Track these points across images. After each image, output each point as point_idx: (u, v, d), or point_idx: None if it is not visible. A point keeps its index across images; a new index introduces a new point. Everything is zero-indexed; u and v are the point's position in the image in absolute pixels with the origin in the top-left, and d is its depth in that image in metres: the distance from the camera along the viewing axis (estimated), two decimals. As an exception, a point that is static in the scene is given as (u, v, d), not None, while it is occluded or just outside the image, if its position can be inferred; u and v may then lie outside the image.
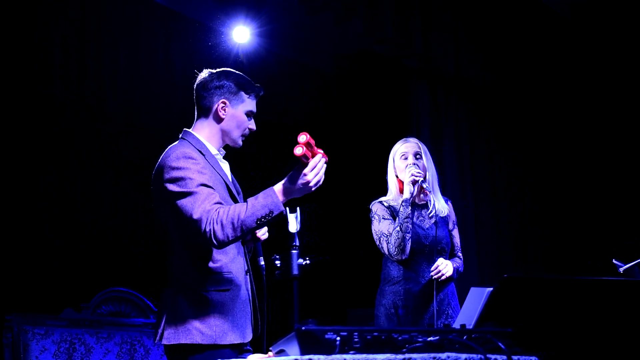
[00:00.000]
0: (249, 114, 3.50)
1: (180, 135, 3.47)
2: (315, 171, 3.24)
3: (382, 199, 4.67)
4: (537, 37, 6.54)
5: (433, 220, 4.56)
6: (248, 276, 3.45)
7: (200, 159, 3.33)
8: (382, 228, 4.53)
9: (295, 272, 2.97)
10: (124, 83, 5.70)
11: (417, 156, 4.59)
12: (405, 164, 4.56)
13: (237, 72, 3.53)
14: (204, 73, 3.51)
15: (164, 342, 3.22)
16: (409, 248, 4.43)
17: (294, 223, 3.00)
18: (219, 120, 3.47)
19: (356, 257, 6.30)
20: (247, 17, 6.05)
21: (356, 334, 2.36)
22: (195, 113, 3.50)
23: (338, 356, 2.20)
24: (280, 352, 2.47)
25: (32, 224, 5.01)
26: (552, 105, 6.67)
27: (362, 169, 6.65)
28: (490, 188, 6.53)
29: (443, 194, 4.80)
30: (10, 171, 4.97)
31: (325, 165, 3.29)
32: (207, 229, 3.11)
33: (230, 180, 3.52)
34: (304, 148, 3.24)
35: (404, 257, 4.43)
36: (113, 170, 5.52)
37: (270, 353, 2.55)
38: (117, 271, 5.29)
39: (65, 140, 5.29)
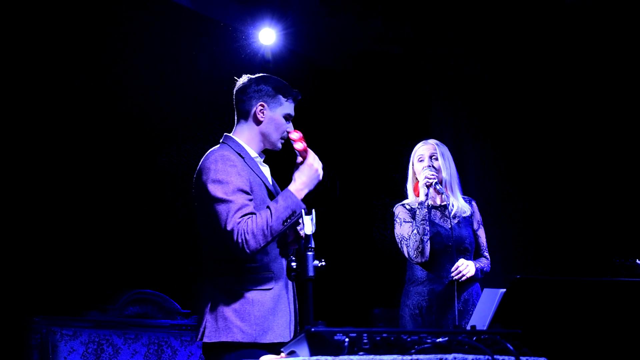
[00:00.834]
0: (287, 117, 3.59)
1: (221, 140, 3.57)
2: (317, 161, 3.44)
3: (405, 201, 4.68)
4: (554, 37, 6.48)
5: (456, 221, 4.55)
6: (290, 279, 3.50)
7: (239, 161, 3.43)
8: (403, 231, 4.53)
9: (311, 273, 2.97)
10: (149, 86, 5.74)
11: (433, 157, 4.60)
12: (422, 166, 4.57)
13: (274, 77, 3.64)
14: (243, 78, 3.63)
15: (205, 340, 3.31)
16: (428, 250, 4.42)
17: (309, 225, 3.01)
18: (257, 123, 3.56)
19: (381, 257, 6.29)
20: (272, 19, 6.08)
21: (365, 335, 2.36)
22: (235, 118, 3.61)
23: (346, 357, 2.21)
24: (291, 354, 2.48)
25: (59, 226, 5.06)
26: (570, 105, 6.60)
27: (381, 168, 6.66)
28: (512, 187, 6.49)
29: (465, 194, 4.79)
30: (39, 175, 5.03)
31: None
32: (239, 240, 3.23)
33: (271, 183, 3.61)
34: (304, 143, 3.45)
35: (423, 260, 4.43)
36: (141, 173, 5.57)
37: (282, 354, 2.57)
38: (143, 273, 5.32)
39: (91, 143, 5.35)
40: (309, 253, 3.01)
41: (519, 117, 6.63)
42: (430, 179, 4.46)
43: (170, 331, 5.09)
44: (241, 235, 3.23)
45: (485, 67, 6.38)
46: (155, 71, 5.78)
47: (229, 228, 3.25)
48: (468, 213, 4.62)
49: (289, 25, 6.10)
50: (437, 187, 4.50)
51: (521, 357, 2.38)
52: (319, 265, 3.03)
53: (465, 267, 4.38)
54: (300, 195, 3.38)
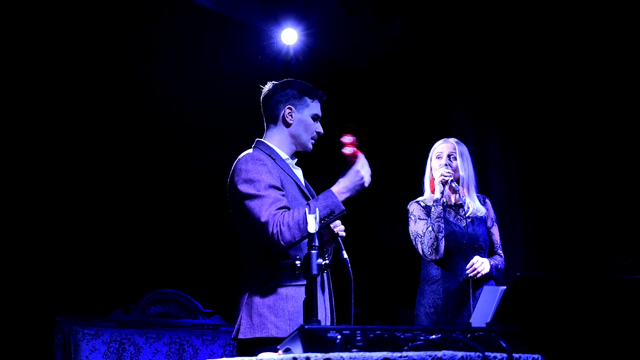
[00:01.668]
0: (314, 118, 3.69)
1: (253, 145, 3.66)
2: (365, 168, 3.47)
3: (420, 198, 4.69)
4: (576, 36, 6.41)
5: (470, 219, 4.54)
6: (325, 273, 3.62)
7: (269, 161, 3.52)
8: (417, 228, 4.54)
9: (315, 271, 2.97)
10: (172, 87, 5.78)
11: (452, 156, 4.60)
12: (439, 163, 4.58)
13: (298, 80, 3.74)
14: (268, 85, 3.73)
15: (240, 336, 3.37)
16: (442, 248, 4.42)
17: (313, 224, 3.01)
18: (287, 125, 3.66)
19: (405, 257, 6.27)
20: (294, 20, 6.09)
21: (359, 332, 2.36)
22: (265, 124, 3.71)
23: (335, 354, 2.20)
24: (287, 351, 2.49)
25: (83, 228, 5.13)
26: (592, 103, 6.51)
27: (405, 168, 6.65)
28: (535, 186, 6.43)
29: (488, 194, 4.78)
30: (67, 177, 5.10)
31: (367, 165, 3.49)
32: (274, 231, 3.30)
33: (304, 184, 3.68)
34: (354, 148, 3.47)
35: (438, 257, 4.43)
36: (165, 174, 5.62)
37: (280, 351, 2.57)
38: (165, 273, 5.36)
39: (116, 143, 5.40)
40: (313, 251, 3.01)
41: (541, 115, 6.56)
42: (446, 176, 4.47)
43: (192, 330, 5.12)
44: (276, 226, 3.30)
45: (507, 65, 6.33)
46: (178, 72, 5.83)
47: (263, 220, 3.32)
48: (483, 214, 4.61)
49: (310, 25, 6.11)
50: (453, 184, 4.49)
51: (514, 355, 2.36)
52: (323, 263, 3.04)
53: (480, 265, 4.35)
54: (341, 197, 3.43)
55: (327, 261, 3.07)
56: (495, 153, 6.32)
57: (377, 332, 2.37)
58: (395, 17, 5.49)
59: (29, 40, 4.91)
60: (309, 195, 3.62)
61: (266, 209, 3.35)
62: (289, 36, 6.18)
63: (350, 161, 3.50)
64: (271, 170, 3.46)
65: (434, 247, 4.40)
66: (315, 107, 3.72)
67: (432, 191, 4.58)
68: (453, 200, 4.61)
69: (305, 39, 6.23)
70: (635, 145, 6.41)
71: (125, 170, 5.38)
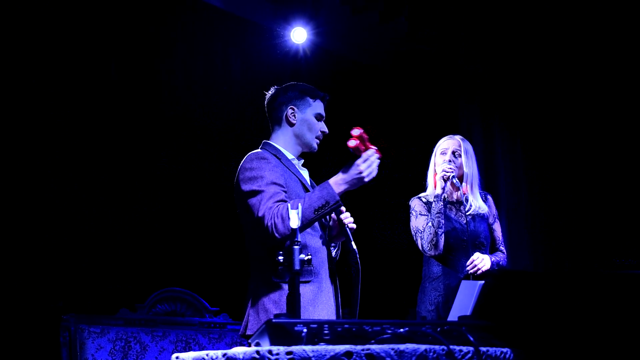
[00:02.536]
0: (318, 117, 3.75)
1: (260, 147, 3.73)
2: (367, 164, 3.46)
3: (422, 194, 4.67)
4: (584, 33, 6.32)
5: (471, 216, 4.52)
6: (331, 272, 3.64)
7: (274, 160, 3.58)
8: (418, 224, 4.51)
9: (297, 267, 2.96)
10: (180, 86, 5.81)
11: (456, 153, 4.58)
12: (443, 159, 4.56)
13: (301, 83, 3.81)
14: (271, 90, 3.82)
15: (248, 332, 3.43)
16: (442, 244, 4.39)
17: (295, 219, 3.00)
18: (291, 125, 3.73)
19: (406, 257, 6.23)
20: (303, 18, 6.08)
21: (326, 326, 2.34)
22: (270, 128, 3.78)
23: (298, 347, 2.18)
24: (257, 345, 2.48)
25: (88, 226, 5.16)
26: (601, 100, 6.42)
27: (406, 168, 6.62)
28: (543, 183, 6.36)
29: (495, 192, 4.75)
30: (74, 176, 5.14)
31: (378, 161, 3.50)
32: (269, 224, 3.34)
33: (309, 183, 3.73)
34: (357, 141, 3.46)
35: (437, 253, 4.40)
36: (171, 172, 5.63)
37: (252, 346, 2.56)
38: (172, 272, 5.38)
39: (122, 143, 5.43)
40: (295, 247, 3.00)
41: (548, 113, 6.49)
42: (447, 172, 4.45)
43: (199, 329, 5.12)
44: (271, 219, 3.34)
45: (513, 63, 6.27)
46: (187, 71, 5.85)
47: (260, 214, 3.37)
48: (485, 211, 4.58)
49: (320, 24, 6.10)
50: (454, 181, 4.47)
51: (482, 348, 2.32)
52: (305, 259, 3.03)
53: (481, 261, 4.31)
54: (338, 189, 3.44)
55: (309, 256, 3.05)
56: (502, 151, 6.25)
57: (345, 325, 2.34)
58: (399, 17, 5.46)
59: (29, 40, 4.95)
60: None
61: (264, 203, 3.39)
62: (299, 35, 6.17)
63: (356, 155, 3.50)
64: (274, 168, 3.52)
65: (433, 242, 4.37)
66: (318, 107, 3.77)
67: (435, 187, 4.56)
68: (455, 197, 4.59)
69: (315, 38, 6.22)
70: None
71: (132, 169, 5.41)
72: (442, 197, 4.41)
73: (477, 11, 6.04)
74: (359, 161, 3.47)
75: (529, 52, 6.35)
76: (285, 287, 3.45)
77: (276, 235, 3.33)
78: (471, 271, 4.29)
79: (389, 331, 2.34)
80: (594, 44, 6.28)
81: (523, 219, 6.19)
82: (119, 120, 5.41)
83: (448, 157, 4.54)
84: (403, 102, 6.93)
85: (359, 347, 2.17)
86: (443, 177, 4.44)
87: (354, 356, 2.17)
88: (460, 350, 2.27)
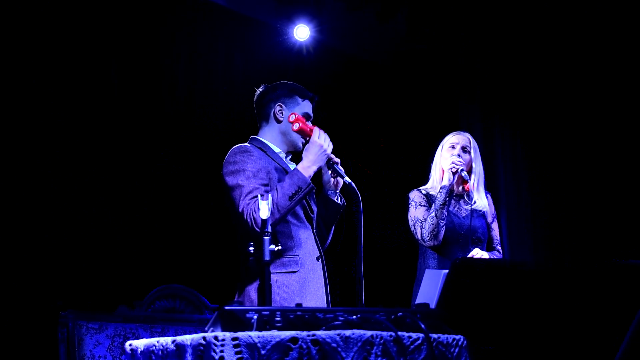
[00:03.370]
0: (305, 117, 3.80)
1: (247, 142, 3.80)
2: (322, 136, 3.61)
3: (421, 187, 4.69)
4: (586, 29, 6.25)
5: (469, 211, 4.53)
6: (320, 262, 3.72)
7: (258, 152, 3.66)
8: (418, 214, 4.53)
9: (267, 258, 2.97)
10: (184, 84, 5.83)
11: (465, 150, 4.61)
12: (451, 153, 4.58)
13: (291, 82, 3.89)
14: (261, 87, 3.90)
15: None
16: (442, 234, 4.41)
17: (265, 210, 3.01)
18: (278, 122, 3.80)
19: (406, 256, 6.20)
20: (306, 15, 6.09)
21: (278, 313, 2.33)
22: (258, 124, 3.87)
23: (244, 333, 2.18)
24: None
25: (86, 224, 5.19)
26: (603, 97, 6.34)
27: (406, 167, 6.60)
28: (543, 181, 6.30)
29: (496, 191, 4.75)
30: (70, 172, 5.17)
31: (326, 134, 3.64)
32: (249, 220, 3.46)
33: None
34: (299, 123, 3.66)
35: (436, 243, 4.42)
36: (172, 169, 5.66)
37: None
38: (171, 268, 5.39)
39: (125, 139, 5.46)
40: (265, 237, 3.02)
41: (549, 112, 6.43)
42: (457, 165, 4.48)
43: (198, 325, 5.11)
44: (250, 214, 3.44)
45: (515, 59, 6.22)
46: (190, 70, 5.87)
47: (240, 210, 3.48)
48: (485, 209, 4.61)
49: (322, 22, 6.10)
50: (463, 174, 4.50)
51: (433, 335, 2.30)
52: (276, 249, 3.03)
53: (479, 257, 4.32)
54: (308, 172, 3.56)
55: (279, 247, 3.06)
56: (502, 149, 6.22)
57: (298, 313, 2.34)
58: (394, 16, 5.45)
59: (28, 40, 4.99)
60: None
61: (242, 199, 3.48)
62: (302, 32, 6.17)
63: (305, 136, 3.66)
64: (257, 160, 3.58)
65: (434, 232, 4.40)
66: (305, 106, 3.83)
67: (441, 180, 4.58)
68: (457, 190, 4.60)
69: (318, 35, 6.22)
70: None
71: (133, 168, 5.43)
72: (449, 189, 4.40)
73: (477, 10, 6.01)
74: (313, 138, 3.60)
75: (529, 50, 6.31)
76: (274, 279, 3.53)
77: (256, 229, 3.41)
78: (470, 266, 4.27)
79: (341, 318, 2.33)
80: (594, 42, 6.24)
81: (524, 218, 6.14)
82: (120, 119, 5.43)
83: (457, 152, 4.57)
84: (404, 101, 6.91)
85: (304, 333, 2.17)
86: (452, 169, 4.48)
87: (300, 342, 2.17)
88: (410, 337, 2.26)
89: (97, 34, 5.33)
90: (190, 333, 5.03)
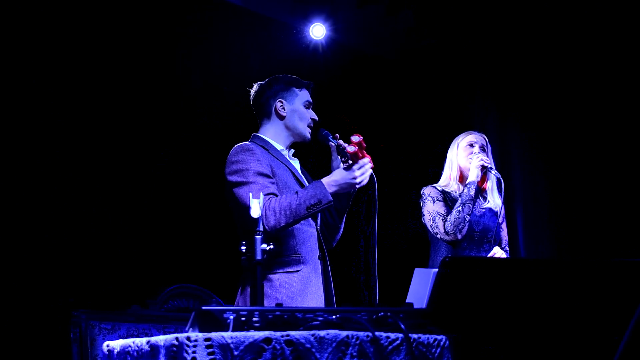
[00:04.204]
0: (307, 105, 3.80)
1: (249, 140, 3.78)
2: (362, 171, 3.52)
3: (435, 184, 4.67)
4: (598, 25, 6.13)
5: (484, 210, 4.54)
6: (321, 262, 3.67)
7: (260, 150, 3.61)
8: (437, 208, 4.50)
9: (259, 257, 2.93)
10: (199, 83, 5.83)
11: (483, 149, 4.59)
12: (470, 151, 4.56)
13: (282, 75, 3.86)
14: (254, 87, 3.88)
15: None
16: (466, 229, 4.38)
17: (256, 209, 2.97)
18: (281, 118, 3.76)
19: (406, 256, 6.14)
20: (321, 14, 6.06)
21: (257, 313, 2.30)
22: (258, 122, 3.84)
23: (217, 334, 2.15)
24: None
25: (100, 223, 5.21)
26: (618, 93, 6.20)
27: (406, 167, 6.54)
28: (559, 178, 6.20)
29: (510, 187, 4.73)
30: (84, 172, 5.20)
31: (371, 170, 3.57)
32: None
33: (300, 173, 3.75)
34: (356, 147, 3.53)
35: (459, 238, 4.39)
36: (186, 168, 5.65)
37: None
38: (185, 268, 5.39)
39: (138, 138, 5.47)
40: (257, 236, 2.98)
41: (566, 103, 6.31)
42: (486, 162, 4.46)
43: (211, 325, 5.11)
44: (262, 210, 3.30)
45: (529, 52, 6.13)
46: (203, 67, 5.87)
47: (263, 212, 3.38)
48: (498, 210, 4.58)
49: (337, 20, 6.07)
50: (493, 171, 4.48)
51: (414, 335, 2.25)
52: (268, 248, 2.99)
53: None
54: (330, 189, 3.47)
55: (271, 246, 3.02)
56: (517, 144, 6.14)
57: (277, 313, 2.30)
58: (405, 9, 5.41)
59: (28, 40, 5.01)
60: (304, 183, 3.67)
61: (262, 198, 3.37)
62: (318, 31, 6.15)
63: (352, 160, 3.54)
64: (260, 159, 3.54)
65: (460, 227, 4.37)
66: (304, 95, 3.79)
67: (460, 180, 4.58)
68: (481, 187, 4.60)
69: (333, 34, 6.19)
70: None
71: (145, 167, 5.44)
72: (476, 185, 4.42)
73: (490, 5, 5.93)
74: (355, 167, 3.50)
75: (544, 44, 6.23)
76: (273, 278, 3.50)
77: (267, 228, 3.36)
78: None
79: (320, 318, 2.29)
80: (611, 33, 6.12)
81: (540, 214, 6.06)
82: (142, 115, 5.45)
83: (477, 150, 4.55)
84: (418, 99, 6.85)
85: (278, 334, 2.13)
86: (482, 165, 4.45)
87: (273, 342, 2.12)
88: (388, 337, 2.20)
89: (108, 34, 5.33)
90: (203, 333, 5.05)
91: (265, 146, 3.71)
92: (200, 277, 5.34)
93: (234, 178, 3.55)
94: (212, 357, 2.10)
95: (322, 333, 2.13)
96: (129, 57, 5.45)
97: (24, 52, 4.97)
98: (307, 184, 3.68)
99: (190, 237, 5.55)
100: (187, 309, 5.19)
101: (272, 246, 3.01)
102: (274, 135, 3.78)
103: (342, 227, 3.99)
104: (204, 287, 5.26)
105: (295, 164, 3.83)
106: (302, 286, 3.56)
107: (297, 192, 3.48)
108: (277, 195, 3.50)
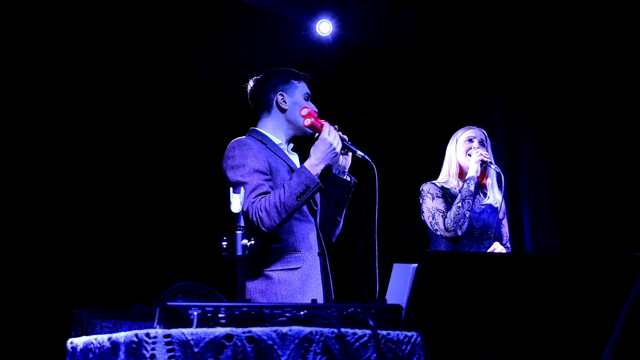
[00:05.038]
0: (306, 97, 3.75)
1: (247, 134, 3.74)
2: (332, 134, 3.50)
3: (434, 181, 4.60)
4: (606, 24, 6.00)
5: (484, 206, 4.48)
6: (321, 258, 3.64)
7: (256, 145, 3.58)
8: (437, 205, 4.43)
9: (239, 253, 2.89)
10: (207, 80, 5.80)
11: (482, 144, 4.53)
12: (470, 146, 4.49)
13: (278, 68, 3.80)
14: (251, 82, 3.83)
15: None
16: (466, 225, 4.31)
17: (237, 203, 2.92)
18: (282, 111, 3.71)
19: (406, 256, 6.06)
20: (328, 11, 6.01)
21: (223, 309, 2.24)
22: (256, 117, 3.78)
23: (177, 330, 2.09)
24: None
25: (102, 223, 5.19)
26: (627, 91, 6.07)
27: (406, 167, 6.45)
28: (566, 176, 6.09)
29: (517, 183, 4.65)
30: (87, 171, 5.18)
31: (335, 130, 3.53)
32: (254, 219, 3.38)
33: (299, 167, 3.64)
34: (311, 118, 3.55)
35: (459, 234, 4.32)
36: (189, 167, 5.63)
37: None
38: (188, 266, 5.37)
39: (139, 138, 5.45)
40: (238, 232, 2.94)
41: (573, 100, 6.21)
42: (486, 157, 4.40)
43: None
44: (255, 213, 3.36)
45: (535, 49, 6.04)
46: (212, 65, 5.84)
47: (244, 209, 3.36)
48: (498, 205, 4.51)
49: (344, 17, 6.02)
50: (493, 166, 4.42)
51: (382, 332, 2.17)
52: (249, 244, 2.95)
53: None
54: (315, 170, 3.44)
55: (252, 242, 2.97)
56: (524, 141, 6.05)
57: (244, 309, 2.23)
58: (409, 6, 5.34)
59: (28, 40, 5.00)
60: None
61: (247, 197, 3.39)
62: (324, 27, 6.10)
63: (316, 132, 3.55)
64: (257, 154, 3.51)
65: (460, 223, 4.30)
66: (303, 87, 3.75)
67: (459, 175, 4.51)
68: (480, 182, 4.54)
69: (339, 31, 6.13)
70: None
71: (149, 166, 5.41)
72: (476, 180, 4.35)
73: (495, 1, 5.85)
74: (324, 135, 3.47)
75: (550, 41, 6.14)
76: (273, 275, 3.47)
77: (263, 229, 3.35)
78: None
79: (288, 314, 2.22)
80: (618, 30, 6.03)
81: (547, 209, 5.96)
82: (142, 115, 5.43)
83: (476, 145, 4.48)
84: (424, 95, 6.77)
85: (239, 330, 2.06)
86: (481, 160, 4.39)
87: (235, 339, 2.06)
88: (355, 334, 2.13)
89: (109, 33, 5.31)
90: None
91: (264, 140, 3.67)
92: (203, 275, 5.31)
93: (231, 175, 3.52)
94: (171, 354, 2.04)
95: (285, 329, 2.06)
96: (131, 56, 5.43)
97: (24, 52, 4.96)
98: None
99: (191, 236, 5.51)
100: (190, 307, 5.15)
101: (253, 242, 2.97)
102: (273, 129, 3.73)
103: (342, 221, 3.92)
104: (207, 284, 5.22)
105: (294, 158, 3.78)
106: (301, 284, 3.53)
107: (283, 185, 3.43)
108: (269, 193, 3.46)
